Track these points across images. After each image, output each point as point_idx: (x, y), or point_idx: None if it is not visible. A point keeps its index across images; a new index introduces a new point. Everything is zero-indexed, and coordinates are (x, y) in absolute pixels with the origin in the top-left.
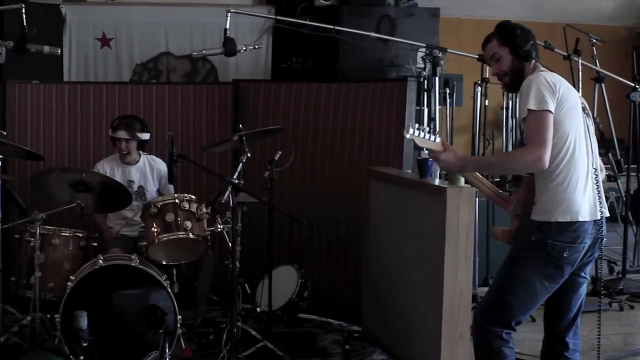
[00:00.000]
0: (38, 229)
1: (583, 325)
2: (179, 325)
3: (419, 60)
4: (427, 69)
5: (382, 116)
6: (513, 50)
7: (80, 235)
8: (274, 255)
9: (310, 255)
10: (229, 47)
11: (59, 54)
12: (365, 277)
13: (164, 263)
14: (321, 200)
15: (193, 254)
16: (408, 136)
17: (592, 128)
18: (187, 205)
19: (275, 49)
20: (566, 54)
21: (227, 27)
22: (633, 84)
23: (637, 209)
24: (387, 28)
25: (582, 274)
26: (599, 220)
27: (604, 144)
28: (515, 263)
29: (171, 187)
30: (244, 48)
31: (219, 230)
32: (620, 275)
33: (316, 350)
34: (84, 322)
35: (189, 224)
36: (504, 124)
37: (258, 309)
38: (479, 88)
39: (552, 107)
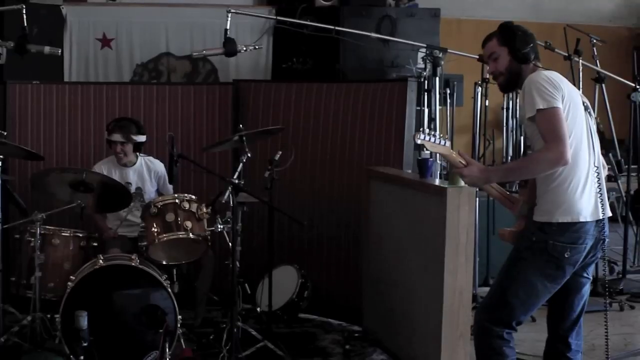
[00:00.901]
0: (38, 229)
1: (584, 325)
2: (179, 325)
3: (420, 60)
4: (427, 70)
5: (383, 116)
6: (511, 51)
7: (81, 235)
8: (274, 255)
9: (311, 255)
10: (230, 47)
11: (59, 54)
12: (365, 277)
13: (164, 263)
14: (321, 200)
15: (193, 254)
16: (419, 142)
17: (594, 127)
18: (187, 205)
19: (275, 50)
20: (567, 55)
21: (228, 27)
22: (633, 85)
23: (637, 209)
24: (387, 28)
25: (585, 275)
26: (600, 220)
27: (604, 145)
28: (517, 264)
29: (170, 187)
30: (245, 48)
31: (219, 230)
32: (621, 276)
33: (316, 350)
34: (84, 322)
35: (189, 224)
36: (505, 124)
37: (258, 309)
38: (480, 88)
39: (559, 103)
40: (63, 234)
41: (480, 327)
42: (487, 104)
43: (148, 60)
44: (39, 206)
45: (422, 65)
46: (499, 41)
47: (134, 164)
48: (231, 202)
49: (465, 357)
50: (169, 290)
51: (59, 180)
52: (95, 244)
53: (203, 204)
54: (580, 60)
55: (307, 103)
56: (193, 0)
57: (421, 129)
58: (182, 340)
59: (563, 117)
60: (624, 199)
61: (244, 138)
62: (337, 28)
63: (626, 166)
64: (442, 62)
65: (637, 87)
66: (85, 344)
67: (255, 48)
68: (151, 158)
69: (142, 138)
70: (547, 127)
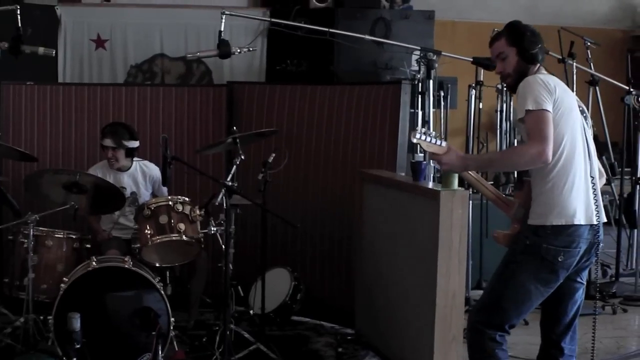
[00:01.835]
0: (31, 230)
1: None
2: (172, 328)
3: (414, 63)
4: (421, 72)
5: (377, 119)
6: (520, 51)
7: (74, 236)
8: (267, 257)
9: (304, 257)
10: (224, 49)
11: (53, 55)
12: (358, 279)
13: (157, 265)
14: (315, 202)
15: (186, 256)
16: (415, 140)
17: (589, 131)
18: (180, 208)
19: (269, 51)
20: (561, 57)
21: (222, 29)
22: (627, 87)
23: (630, 212)
24: (381, 31)
25: (579, 279)
26: (595, 225)
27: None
28: (510, 267)
29: (165, 189)
30: (239, 50)
31: (213, 232)
32: (614, 279)
33: (309, 353)
34: (77, 323)
35: (182, 226)
36: (498, 127)
37: (251, 312)
38: (473, 91)
39: (549, 107)
40: (56, 235)
41: (473, 329)
42: (480, 106)
43: (142, 62)
44: (32, 207)
45: (416, 68)
46: (508, 41)
47: (129, 168)
48: (224, 205)
49: (457, 359)
50: (162, 292)
51: (52, 182)
52: (88, 246)
53: (196, 206)
54: (575, 63)
55: (301, 105)
56: (187, 2)
57: (417, 128)
58: (174, 343)
59: (550, 120)
60: (617, 202)
61: (238, 140)
62: (331, 30)
63: (619, 169)
64: (436, 65)
65: (631, 90)
66: (78, 346)
67: (249, 50)
68: (146, 162)
69: (134, 144)
70: (533, 126)
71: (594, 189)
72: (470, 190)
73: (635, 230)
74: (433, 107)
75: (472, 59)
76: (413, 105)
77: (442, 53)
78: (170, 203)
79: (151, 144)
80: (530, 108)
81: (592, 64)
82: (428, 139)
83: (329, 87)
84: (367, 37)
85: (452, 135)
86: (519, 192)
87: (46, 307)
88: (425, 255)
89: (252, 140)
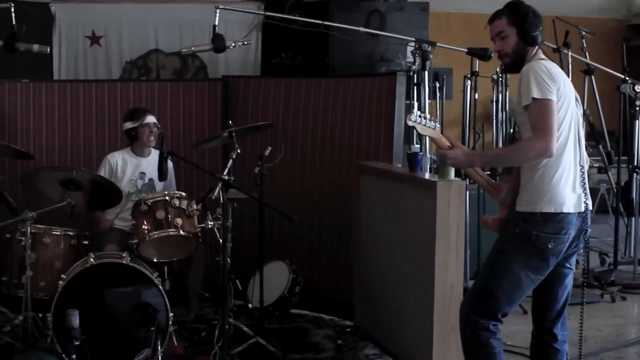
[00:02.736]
0: (29, 228)
1: (572, 317)
2: (170, 323)
3: (409, 54)
4: (416, 63)
5: (372, 111)
6: (520, 32)
7: (71, 233)
8: (265, 251)
9: (301, 250)
10: (218, 43)
11: (48, 52)
12: (356, 271)
13: (155, 260)
14: (311, 195)
15: (184, 251)
16: (410, 123)
17: (581, 119)
18: (177, 202)
19: (264, 45)
20: (556, 47)
21: (216, 23)
22: (623, 76)
23: (627, 200)
24: (376, 23)
25: (568, 265)
26: (583, 212)
27: (595, 136)
28: (500, 255)
29: (173, 183)
30: (233, 44)
31: (210, 226)
32: (612, 267)
33: (308, 345)
34: (75, 320)
35: (179, 221)
36: (494, 117)
37: (250, 305)
38: (469, 81)
39: (554, 96)
40: (54, 232)
41: (465, 320)
42: (476, 97)
43: (137, 57)
44: (29, 205)
45: (412, 59)
46: (509, 20)
47: (150, 154)
48: (221, 199)
49: (457, 350)
50: (160, 287)
51: (49, 179)
52: (86, 242)
53: (193, 200)
54: (570, 53)
55: (297, 98)
56: None
57: (413, 111)
58: (174, 338)
59: (555, 111)
60: (615, 190)
61: (234, 134)
62: (325, 23)
63: (616, 158)
64: (431, 56)
65: (627, 78)
66: (77, 343)
67: (244, 44)
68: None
69: None
70: (537, 117)
71: (583, 177)
72: (467, 180)
73: (633, 218)
74: (429, 98)
75: (467, 50)
76: (408, 96)
77: (437, 44)
78: (167, 198)
79: None
80: (536, 96)
81: (587, 54)
82: (423, 121)
83: (324, 80)
84: (362, 29)
85: (448, 126)
86: (507, 177)
87: (45, 304)
88: (422, 246)
89: (248, 134)
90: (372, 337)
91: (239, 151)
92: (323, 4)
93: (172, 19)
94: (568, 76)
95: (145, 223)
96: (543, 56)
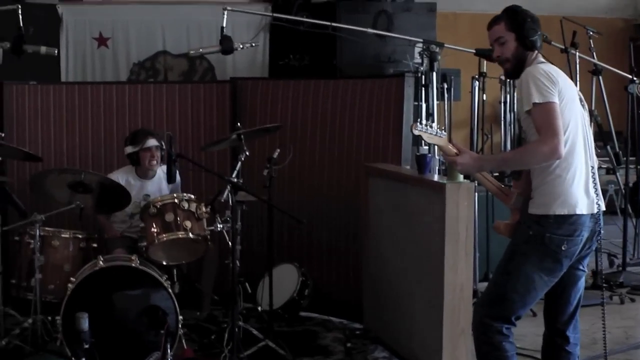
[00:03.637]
0: (38, 230)
1: (583, 319)
2: (180, 326)
3: (417, 55)
4: (424, 64)
5: (380, 112)
6: (519, 37)
7: (80, 236)
8: (274, 253)
9: (311, 253)
10: (226, 45)
11: (55, 54)
12: (365, 274)
13: (164, 263)
14: (320, 197)
15: (193, 253)
16: (416, 132)
17: (587, 120)
18: (186, 205)
19: (272, 47)
20: (563, 47)
21: (224, 25)
22: (630, 76)
23: (636, 201)
24: (384, 24)
25: (580, 267)
26: (596, 213)
27: (602, 137)
28: (514, 258)
29: (178, 186)
30: (241, 46)
31: (219, 229)
32: (621, 269)
33: (318, 348)
34: (85, 323)
35: (188, 223)
36: (502, 118)
37: (259, 308)
38: (477, 82)
39: (555, 98)
40: (62, 235)
41: (479, 323)
42: (484, 98)
43: (145, 59)
44: (37, 208)
45: (419, 60)
46: (507, 26)
47: (154, 175)
48: (230, 201)
49: (466, 353)
50: (170, 290)
51: (57, 182)
52: (95, 245)
53: (202, 203)
54: (577, 53)
55: (305, 100)
56: None
57: (419, 120)
58: (183, 341)
59: (558, 112)
60: (623, 191)
61: (242, 136)
62: (333, 24)
63: (624, 158)
64: (439, 57)
65: (634, 78)
66: (86, 346)
67: (252, 45)
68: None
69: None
70: (542, 121)
71: (594, 177)
72: (476, 182)
73: None
74: (436, 100)
75: (474, 51)
76: (417, 97)
77: (445, 45)
78: (176, 201)
79: None
80: (537, 101)
81: (594, 54)
82: (429, 130)
83: (332, 82)
84: (370, 30)
85: (456, 127)
86: (517, 182)
87: (54, 307)
88: (432, 249)
89: (256, 136)
90: (382, 340)
91: (247, 153)
92: (330, 5)
93: (180, 21)
94: (575, 77)
95: (154, 226)
96: (542, 59)
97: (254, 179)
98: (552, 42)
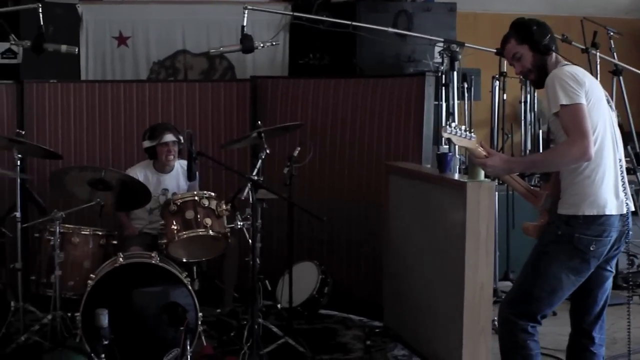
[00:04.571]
0: (57, 227)
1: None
2: (200, 322)
3: (437, 55)
4: (444, 64)
5: (401, 111)
6: (532, 46)
7: (100, 233)
8: (294, 251)
9: (331, 251)
10: (247, 44)
11: (76, 53)
12: (385, 272)
13: (184, 260)
14: (340, 195)
15: (213, 251)
16: (446, 135)
17: (615, 120)
18: (206, 203)
19: (292, 46)
20: (584, 48)
21: (245, 24)
22: None
23: None
24: (404, 23)
25: (608, 268)
26: (624, 214)
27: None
28: (542, 257)
29: (196, 184)
30: (261, 45)
31: (239, 227)
32: None
33: (337, 346)
34: (104, 320)
35: (208, 221)
36: (523, 118)
37: (279, 306)
38: (497, 82)
39: (583, 100)
40: (82, 232)
41: (504, 320)
42: (504, 97)
43: (165, 58)
44: (57, 205)
45: (440, 60)
46: (517, 40)
47: (172, 169)
48: (250, 199)
49: (486, 351)
50: (189, 287)
51: (77, 179)
52: (114, 242)
53: (222, 201)
54: (598, 53)
55: (325, 99)
56: None
57: (448, 123)
58: (202, 338)
59: (586, 113)
60: None
61: (263, 134)
62: (353, 23)
63: None
64: (460, 56)
65: None
66: (106, 342)
67: (272, 44)
68: (183, 161)
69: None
70: (570, 122)
71: (622, 177)
72: (497, 181)
73: None
74: (457, 99)
75: (495, 50)
76: (437, 97)
77: (466, 45)
78: (196, 198)
79: None
80: (565, 102)
81: (615, 54)
82: (458, 133)
83: (353, 80)
84: (390, 29)
85: (476, 127)
86: (546, 183)
87: (73, 304)
88: (452, 247)
89: (277, 134)
90: (401, 338)
91: (268, 151)
92: (350, 5)
93: (200, 20)
94: (596, 77)
95: (174, 223)
96: (565, 61)
97: (274, 177)
98: (573, 43)
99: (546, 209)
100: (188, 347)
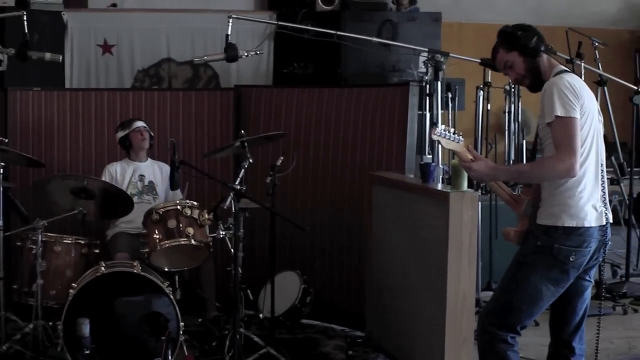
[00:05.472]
0: (40, 236)
1: (586, 330)
2: (181, 332)
3: (421, 64)
4: (429, 74)
5: (385, 121)
6: (521, 51)
7: (82, 242)
8: (276, 261)
9: (313, 260)
10: (231, 52)
11: (60, 60)
12: (368, 282)
13: (166, 269)
14: (323, 205)
15: (195, 260)
16: (435, 137)
17: (602, 131)
18: (189, 212)
19: (276, 55)
20: (569, 58)
21: (229, 32)
22: (636, 87)
23: None
24: (388, 33)
25: (587, 278)
26: (604, 225)
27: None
28: (521, 268)
29: (178, 192)
30: (246, 54)
31: (221, 236)
32: (624, 279)
33: (319, 356)
34: (86, 329)
35: (191, 230)
36: (507, 128)
37: (261, 315)
38: (481, 92)
39: (577, 114)
40: (64, 241)
41: (484, 331)
42: (489, 107)
43: (149, 66)
44: (40, 213)
45: (424, 70)
46: (506, 48)
47: (147, 160)
48: (233, 208)
49: None
50: (171, 297)
51: (60, 187)
52: (96, 251)
53: (205, 210)
54: (582, 64)
55: (309, 108)
56: (194, 6)
57: (437, 125)
58: (184, 347)
59: (578, 128)
60: (627, 202)
61: (246, 144)
62: (338, 33)
63: (629, 169)
64: (444, 66)
65: (639, 90)
66: (87, 352)
67: (256, 53)
68: (162, 163)
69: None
70: (562, 136)
71: (603, 190)
72: (480, 191)
73: None
74: (441, 109)
75: (479, 60)
76: (421, 107)
77: (450, 55)
78: (178, 207)
79: (159, 148)
80: (560, 114)
81: (600, 64)
82: (447, 135)
83: (337, 90)
84: (374, 39)
85: None
86: (527, 189)
87: (55, 313)
88: (435, 257)
89: (260, 144)
90: (384, 348)
91: (250, 161)
92: (335, 14)
93: (184, 28)
94: None
95: (156, 232)
96: (563, 67)
97: (257, 187)
98: (558, 53)
99: (527, 215)
100: (169, 357)
